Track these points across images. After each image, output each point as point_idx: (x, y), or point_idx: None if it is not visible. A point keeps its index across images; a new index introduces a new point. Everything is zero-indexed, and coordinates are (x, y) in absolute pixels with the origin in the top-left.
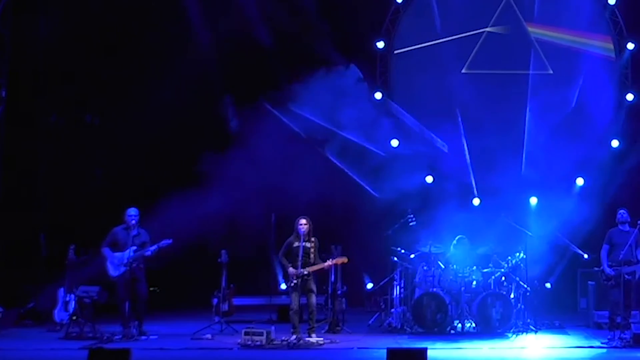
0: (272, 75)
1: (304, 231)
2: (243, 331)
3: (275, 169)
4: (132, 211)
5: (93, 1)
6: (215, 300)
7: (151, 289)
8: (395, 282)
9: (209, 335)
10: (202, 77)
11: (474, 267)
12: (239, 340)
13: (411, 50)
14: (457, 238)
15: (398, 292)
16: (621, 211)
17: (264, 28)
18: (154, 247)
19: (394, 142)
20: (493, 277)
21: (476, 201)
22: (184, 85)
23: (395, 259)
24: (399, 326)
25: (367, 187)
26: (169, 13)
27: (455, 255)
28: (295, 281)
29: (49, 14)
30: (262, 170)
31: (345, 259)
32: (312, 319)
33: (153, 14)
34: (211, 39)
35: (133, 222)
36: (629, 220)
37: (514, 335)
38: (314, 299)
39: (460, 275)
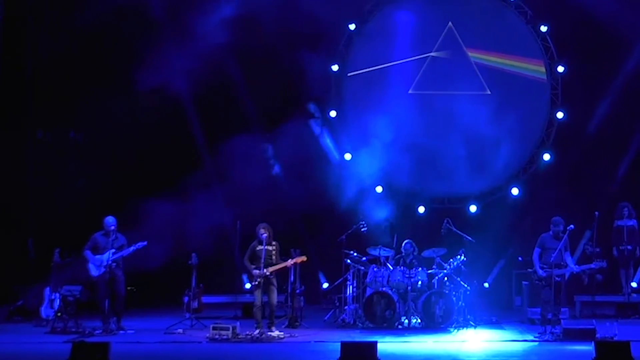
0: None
1: (264, 237)
2: (211, 326)
3: (241, 184)
4: (110, 219)
5: (78, 25)
6: (186, 299)
7: (129, 288)
8: (348, 282)
9: (180, 330)
10: (178, 98)
11: (420, 269)
12: (208, 335)
13: (363, 72)
14: (404, 242)
15: (351, 291)
16: (559, 219)
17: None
18: (131, 248)
19: (347, 156)
20: (437, 277)
21: (421, 209)
22: (160, 105)
23: (349, 261)
24: (352, 322)
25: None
26: (148, 36)
27: (402, 257)
28: (259, 280)
29: (36, 37)
30: (229, 183)
31: (304, 258)
32: (272, 316)
33: (134, 36)
34: (184, 64)
35: (112, 227)
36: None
37: (456, 330)
38: (274, 297)
39: (407, 275)
